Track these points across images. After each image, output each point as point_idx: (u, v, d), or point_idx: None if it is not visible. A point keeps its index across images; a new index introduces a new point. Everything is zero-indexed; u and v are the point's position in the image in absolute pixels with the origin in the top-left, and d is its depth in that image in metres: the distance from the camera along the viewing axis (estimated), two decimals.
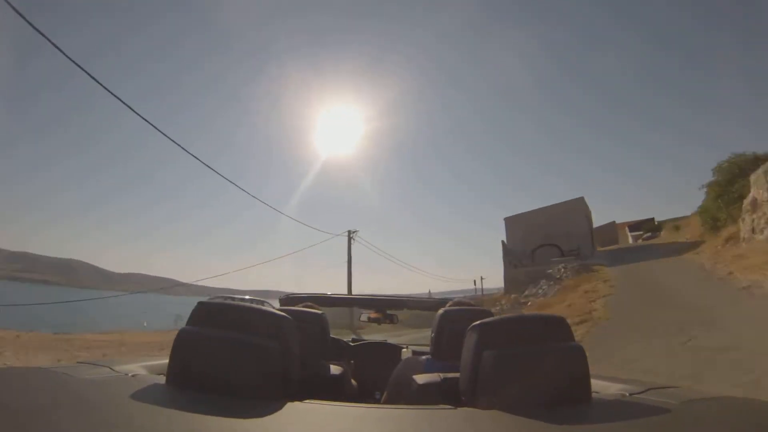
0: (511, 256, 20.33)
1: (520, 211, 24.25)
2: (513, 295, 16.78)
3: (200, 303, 1.05)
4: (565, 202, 23.03)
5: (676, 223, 28.49)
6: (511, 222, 24.90)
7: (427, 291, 41.32)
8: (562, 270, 16.00)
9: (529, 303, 14.45)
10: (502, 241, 20.64)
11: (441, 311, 1.47)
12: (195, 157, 10.59)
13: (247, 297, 15.36)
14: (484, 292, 42.74)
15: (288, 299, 2.54)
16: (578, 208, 22.53)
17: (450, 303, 1.77)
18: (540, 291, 15.30)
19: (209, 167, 11.44)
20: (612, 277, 13.86)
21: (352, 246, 21.76)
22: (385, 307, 2.98)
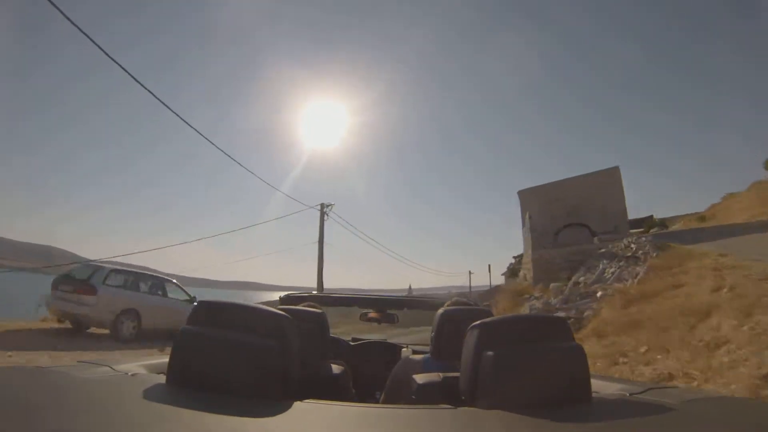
0: (538, 233, 15.41)
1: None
2: (554, 284, 11.45)
3: (200, 302, 1.03)
4: (595, 173, 18.41)
5: (700, 215, 25.24)
6: (526, 196, 20.00)
7: (408, 287, 37.15)
8: (634, 247, 10.94)
9: (600, 293, 9.34)
10: (528, 215, 15.77)
11: (441, 311, 1.45)
12: (198, 132, 10.31)
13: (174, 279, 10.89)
14: (473, 289, 38.86)
15: (288, 299, 2.54)
16: (613, 179, 17.96)
17: (448, 302, 1.73)
18: (608, 275, 10.05)
19: (210, 141, 10.58)
20: (727, 252, 9.16)
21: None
22: (386, 307, 2.94)
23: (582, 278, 11.25)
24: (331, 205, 17.98)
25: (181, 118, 9.67)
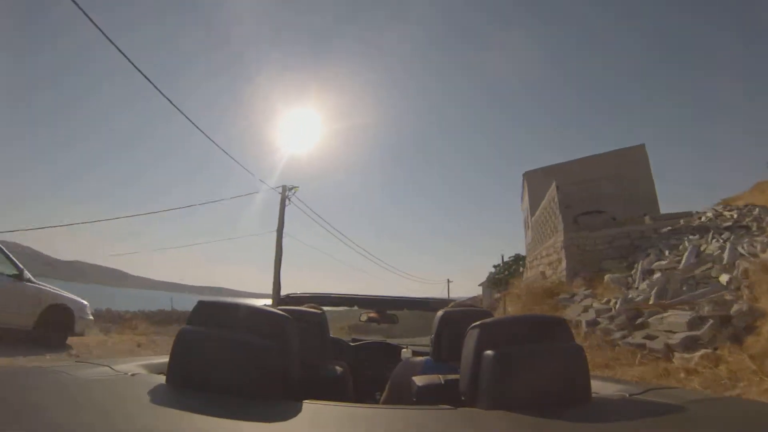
0: (572, 210, 11.74)
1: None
2: (612, 275, 7.95)
3: (200, 302, 1.01)
4: (617, 152, 15.39)
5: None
6: (534, 179, 16.75)
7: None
8: (732, 215, 7.63)
9: (726, 277, 5.83)
10: (555, 185, 12.11)
11: (440, 312, 1.43)
12: (188, 118, 9.69)
13: None
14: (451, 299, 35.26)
15: (289, 299, 2.51)
16: (638, 160, 15.02)
17: (451, 304, 1.75)
18: (712, 252, 6.61)
19: (196, 125, 9.87)
20: None
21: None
22: (386, 308, 2.89)
23: (658, 263, 7.78)
24: (294, 188, 14.46)
25: (184, 114, 8.70)
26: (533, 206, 15.97)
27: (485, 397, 0.88)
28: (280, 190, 15.01)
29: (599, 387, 1.06)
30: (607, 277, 8.65)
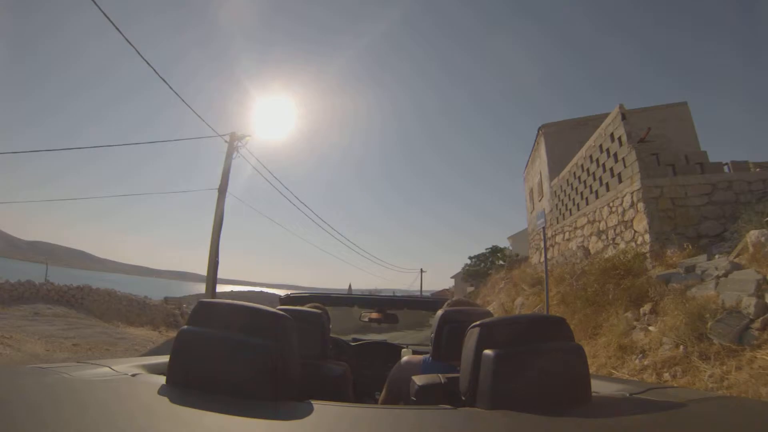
0: (649, 146, 8.43)
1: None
2: (759, 230, 4.46)
3: (200, 302, 1.02)
4: (655, 108, 12.68)
5: None
6: (552, 134, 13.86)
7: (348, 286, 30.16)
8: None
9: None
10: (621, 112, 8.51)
11: (440, 312, 1.44)
12: (166, 83, 8.70)
13: None
14: (426, 292, 32.98)
15: (290, 299, 2.56)
16: (680, 117, 12.54)
17: (448, 303, 1.72)
18: None
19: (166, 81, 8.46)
20: None
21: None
22: (387, 307, 2.92)
23: None
24: (246, 137, 11.66)
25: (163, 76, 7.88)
26: (554, 167, 13.08)
27: (485, 396, 0.88)
28: (228, 138, 11.25)
29: (600, 386, 1.07)
30: (753, 234, 5.61)
